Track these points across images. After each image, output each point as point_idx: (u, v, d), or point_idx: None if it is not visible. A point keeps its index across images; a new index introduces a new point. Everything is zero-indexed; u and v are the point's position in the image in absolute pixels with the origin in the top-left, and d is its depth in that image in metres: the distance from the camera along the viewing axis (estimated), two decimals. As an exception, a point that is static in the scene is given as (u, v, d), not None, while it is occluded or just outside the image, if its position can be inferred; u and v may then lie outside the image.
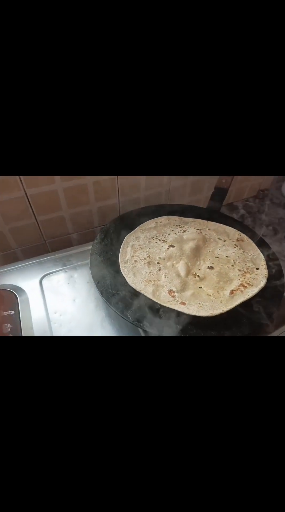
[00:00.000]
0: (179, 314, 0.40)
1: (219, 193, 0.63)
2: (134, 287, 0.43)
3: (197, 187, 0.76)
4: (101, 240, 0.51)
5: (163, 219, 0.59)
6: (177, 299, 0.42)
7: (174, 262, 0.48)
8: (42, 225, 0.61)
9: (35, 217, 0.59)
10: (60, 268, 0.53)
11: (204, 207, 0.66)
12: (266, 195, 0.90)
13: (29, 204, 0.56)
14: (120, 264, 0.47)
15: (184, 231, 0.56)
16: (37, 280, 0.50)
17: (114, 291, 0.42)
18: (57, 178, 0.55)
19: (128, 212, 0.61)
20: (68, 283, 0.50)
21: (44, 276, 0.51)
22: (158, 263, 0.48)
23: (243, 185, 0.86)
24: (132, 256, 0.49)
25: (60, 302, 0.46)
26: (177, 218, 0.60)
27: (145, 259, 0.49)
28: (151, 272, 0.46)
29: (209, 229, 0.58)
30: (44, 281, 0.50)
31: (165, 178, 0.70)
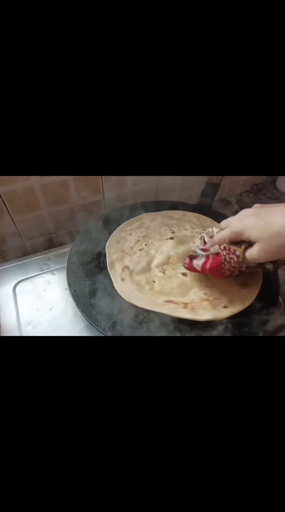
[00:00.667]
0: (163, 323, 0.36)
1: (210, 189, 0.59)
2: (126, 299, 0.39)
3: (187, 183, 0.72)
4: (80, 242, 0.47)
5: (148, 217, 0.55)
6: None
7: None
8: (19, 225, 0.56)
9: (11, 217, 0.54)
10: (37, 273, 0.48)
11: (195, 203, 0.62)
12: (260, 190, 0.86)
13: (3, 202, 0.51)
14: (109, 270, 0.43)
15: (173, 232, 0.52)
16: (10, 287, 0.45)
17: (92, 300, 0.38)
18: (32, 174, 0.50)
19: (112, 210, 0.56)
20: (44, 290, 0.45)
21: (18, 282, 0.46)
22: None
23: (237, 180, 0.82)
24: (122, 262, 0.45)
25: (34, 312, 0.42)
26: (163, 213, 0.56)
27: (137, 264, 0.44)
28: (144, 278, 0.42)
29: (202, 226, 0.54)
30: (18, 288, 0.45)
31: (153, 173, 0.65)
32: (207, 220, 0.56)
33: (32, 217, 0.56)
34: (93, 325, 0.35)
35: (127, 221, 0.53)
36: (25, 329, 0.40)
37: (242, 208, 0.37)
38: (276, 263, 0.37)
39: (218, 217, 0.56)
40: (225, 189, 0.81)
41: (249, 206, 0.37)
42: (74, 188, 0.56)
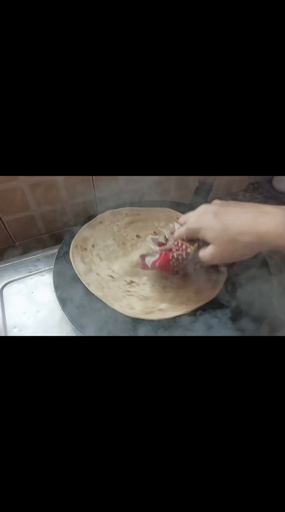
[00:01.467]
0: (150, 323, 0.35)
1: (204, 188, 0.58)
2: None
3: (182, 182, 0.71)
4: (69, 243, 0.46)
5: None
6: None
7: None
8: (9, 226, 0.55)
9: (0, 217, 0.53)
10: (25, 275, 0.47)
11: (188, 203, 0.61)
12: (256, 189, 0.85)
13: (-9, 202, 0.50)
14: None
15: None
16: (-3, 289, 0.44)
17: (79, 303, 0.37)
18: (19, 173, 0.49)
19: (101, 210, 0.55)
20: (32, 292, 0.45)
21: (6, 284, 0.45)
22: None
23: (232, 179, 0.81)
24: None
25: (21, 315, 0.41)
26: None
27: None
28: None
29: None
30: (5, 290, 0.45)
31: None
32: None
33: (21, 218, 0.55)
34: (79, 329, 0.34)
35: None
36: (11, 332, 0.39)
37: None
38: (231, 266, 0.36)
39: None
40: (221, 188, 0.80)
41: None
42: (64, 187, 0.55)
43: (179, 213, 0.56)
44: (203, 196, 0.59)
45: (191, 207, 0.57)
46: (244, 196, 0.83)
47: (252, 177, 0.86)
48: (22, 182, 0.50)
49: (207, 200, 0.60)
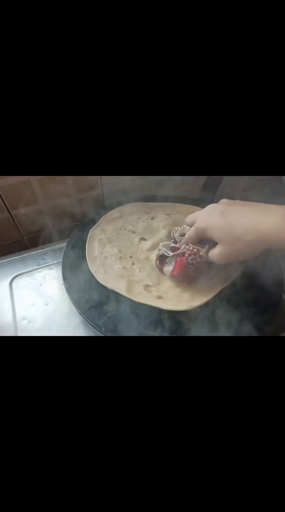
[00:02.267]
0: (157, 312, 0.35)
1: (212, 182, 0.57)
2: (105, 285, 0.38)
3: (189, 176, 0.70)
4: (77, 237, 0.46)
5: (127, 208, 0.54)
6: (154, 293, 0.38)
7: (148, 253, 0.44)
8: (18, 220, 0.56)
9: (9, 211, 0.53)
10: (33, 268, 0.48)
11: (196, 197, 0.60)
12: (265, 185, 0.84)
13: (1, 196, 0.50)
14: (88, 261, 0.42)
15: (152, 218, 0.51)
16: (7, 282, 0.45)
17: (87, 295, 0.37)
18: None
19: (110, 205, 0.56)
20: (41, 285, 0.45)
21: (15, 277, 0.46)
22: (130, 257, 0.43)
23: (240, 174, 0.80)
24: (101, 252, 0.44)
25: (30, 307, 0.42)
26: (141, 204, 0.56)
27: (116, 254, 0.44)
28: (123, 267, 0.41)
29: (177, 212, 0.53)
30: (14, 283, 0.45)
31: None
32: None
33: (30, 211, 0.55)
34: (88, 320, 0.34)
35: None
36: (20, 324, 0.39)
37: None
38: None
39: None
40: (228, 184, 0.79)
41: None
42: (72, 182, 0.56)
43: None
44: (211, 191, 0.58)
45: (199, 202, 0.57)
46: (252, 191, 0.82)
47: (261, 173, 0.85)
48: (31, 176, 0.50)
49: (215, 195, 0.59)
